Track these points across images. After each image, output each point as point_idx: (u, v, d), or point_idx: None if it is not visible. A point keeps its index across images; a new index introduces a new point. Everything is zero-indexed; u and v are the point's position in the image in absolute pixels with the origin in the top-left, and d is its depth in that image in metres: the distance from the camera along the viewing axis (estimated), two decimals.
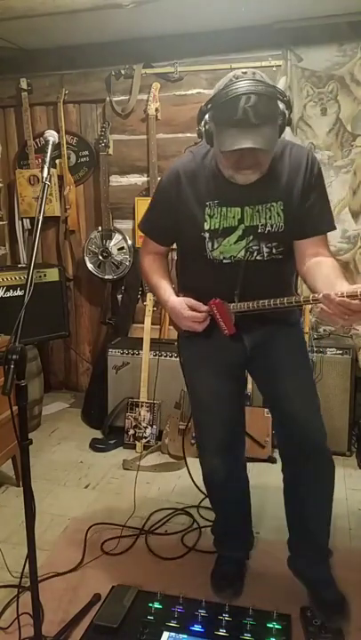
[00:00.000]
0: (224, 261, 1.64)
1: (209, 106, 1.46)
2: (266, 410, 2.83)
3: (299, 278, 1.79)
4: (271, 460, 2.81)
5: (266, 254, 1.63)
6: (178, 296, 1.73)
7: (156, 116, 3.24)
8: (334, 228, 1.68)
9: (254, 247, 1.62)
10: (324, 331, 3.10)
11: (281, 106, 1.44)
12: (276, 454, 2.79)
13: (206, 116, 1.48)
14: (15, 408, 1.37)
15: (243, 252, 1.63)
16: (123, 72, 3.30)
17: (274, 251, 1.63)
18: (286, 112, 1.45)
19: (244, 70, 1.43)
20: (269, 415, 2.83)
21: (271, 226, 1.60)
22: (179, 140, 3.28)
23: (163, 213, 1.72)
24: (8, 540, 2.19)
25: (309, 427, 1.75)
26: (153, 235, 1.80)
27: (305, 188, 1.59)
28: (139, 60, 3.26)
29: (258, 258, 1.64)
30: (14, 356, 1.29)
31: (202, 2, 2.66)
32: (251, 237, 1.61)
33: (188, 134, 3.24)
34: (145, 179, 3.40)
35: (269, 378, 1.80)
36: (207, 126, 1.48)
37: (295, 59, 2.96)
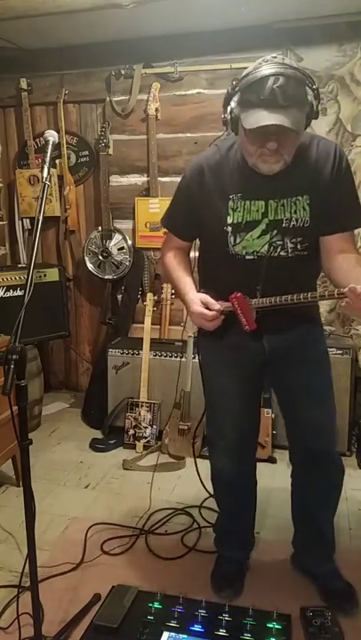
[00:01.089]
0: (247, 257, 1.60)
1: (236, 89, 1.42)
2: (266, 410, 2.83)
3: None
4: (271, 459, 2.80)
5: (290, 250, 1.58)
6: (199, 292, 1.67)
7: (156, 116, 3.24)
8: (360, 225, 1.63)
9: (278, 242, 1.57)
10: (325, 331, 3.10)
11: (310, 94, 1.39)
12: (276, 454, 2.81)
13: (232, 103, 1.44)
14: (15, 408, 1.37)
15: (266, 247, 1.58)
16: (123, 72, 3.30)
17: (298, 246, 1.58)
18: (314, 102, 1.41)
19: (274, 55, 1.39)
20: (270, 415, 2.83)
21: (296, 220, 1.55)
22: (179, 140, 3.28)
23: (186, 208, 1.69)
24: (8, 540, 2.19)
25: (323, 433, 1.73)
26: (175, 230, 1.77)
27: (332, 182, 1.54)
28: (139, 60, 3.26)
29: (282, 253, 1.58)
30: (14, 356, 1.28)
31: (202, 2, 2.66)
32: (275, 232, 1.56)
33: (189, 134, 3.23)
34: (145, 179, 3.40)
35: (293, 387, 1.76)
36: (233, 113, 1.44)
37: (295, 59, 2.95)
